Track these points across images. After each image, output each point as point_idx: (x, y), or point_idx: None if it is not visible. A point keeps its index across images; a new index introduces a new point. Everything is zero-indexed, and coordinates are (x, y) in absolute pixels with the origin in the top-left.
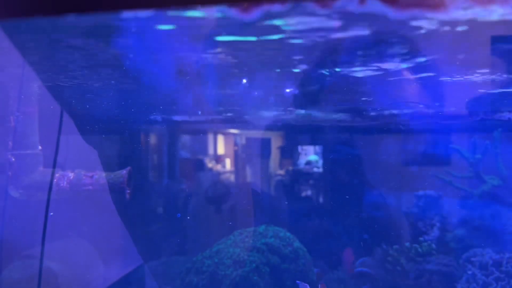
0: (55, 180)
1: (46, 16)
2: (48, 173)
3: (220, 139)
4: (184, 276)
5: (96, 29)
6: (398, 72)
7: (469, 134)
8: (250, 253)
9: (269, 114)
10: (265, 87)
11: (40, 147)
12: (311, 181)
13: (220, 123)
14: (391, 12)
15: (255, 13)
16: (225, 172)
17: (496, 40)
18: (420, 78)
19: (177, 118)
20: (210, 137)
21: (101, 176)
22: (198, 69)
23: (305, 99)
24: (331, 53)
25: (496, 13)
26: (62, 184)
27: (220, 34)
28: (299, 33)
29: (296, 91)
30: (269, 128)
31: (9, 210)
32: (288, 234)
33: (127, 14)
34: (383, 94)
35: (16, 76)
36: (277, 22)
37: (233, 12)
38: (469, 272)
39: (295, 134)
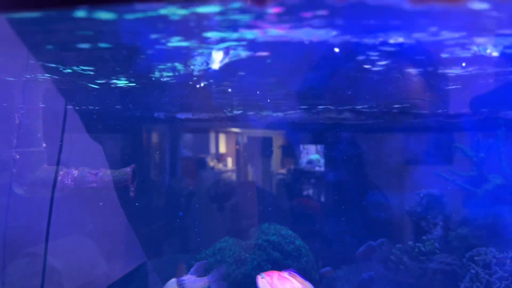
0: (59, 177)
1: (57, 9)
2: (52, 171)
3: (222, 137)
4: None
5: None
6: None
7: (473, 132)
8: (252, 251)
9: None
10: None
11: (44, 145)
12: (312, 180)
13: (222, 122)
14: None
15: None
16: (227, 171)
17: None
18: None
19: (180, 116)
20: (212, 135)
21: (105, 173)
22: None
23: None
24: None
25: None
26: (66, 182)
27: None
28: None
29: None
30: (271, 127)
31: (13, 207)
32: (290, 232)
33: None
34: (386, 91)
35: (20, 73)
36: None
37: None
38: (473, 271)
39: (296, 133)
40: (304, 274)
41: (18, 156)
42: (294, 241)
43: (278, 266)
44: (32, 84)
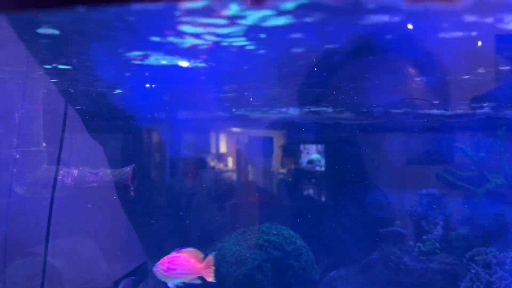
0: (59, 177)
1: (56, 9)
2: (52, 170)
3: (223, 137)
4: None
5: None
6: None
7: (473, 132)
8: (253, 251)
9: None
10: None
11: (44, 144)
12: (313, 180)
13: (223, 121)
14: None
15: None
16: (227, 171)
17: None
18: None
19: (181, 115)
20: (213, 135)
21: (105, 173)
22: None
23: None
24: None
25: None
26: (66, 181)
27: None
28: None
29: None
30: (271, 126)
31: (13, 207)
32: (291, 232)
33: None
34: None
35: (20, 72)
36: None
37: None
38: (473, 271)
39: (297, 133)
40: (305, 273)
41: (18, 156)
42: (295, 241)
43: (279, 264)
44: (32, 83)
